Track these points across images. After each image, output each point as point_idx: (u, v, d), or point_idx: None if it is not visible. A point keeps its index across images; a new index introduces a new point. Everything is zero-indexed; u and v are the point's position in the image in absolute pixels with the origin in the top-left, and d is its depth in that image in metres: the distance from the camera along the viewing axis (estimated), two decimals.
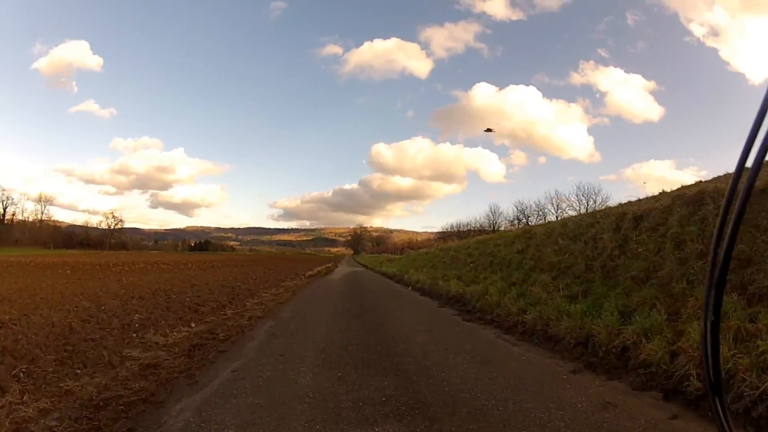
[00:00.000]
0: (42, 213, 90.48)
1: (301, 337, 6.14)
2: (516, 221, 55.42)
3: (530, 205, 54.80)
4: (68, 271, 17.62)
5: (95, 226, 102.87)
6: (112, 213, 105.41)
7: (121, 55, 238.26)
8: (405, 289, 14.99)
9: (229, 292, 11.89)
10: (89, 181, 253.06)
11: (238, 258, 54.82)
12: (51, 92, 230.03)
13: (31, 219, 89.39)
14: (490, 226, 59.51)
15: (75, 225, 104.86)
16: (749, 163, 0.59)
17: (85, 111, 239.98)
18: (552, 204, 51.61)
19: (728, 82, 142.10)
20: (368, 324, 7.30)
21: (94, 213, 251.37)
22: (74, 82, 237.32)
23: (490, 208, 66.52)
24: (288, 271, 26.03)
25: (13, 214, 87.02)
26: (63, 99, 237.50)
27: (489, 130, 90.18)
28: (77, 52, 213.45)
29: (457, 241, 24.79)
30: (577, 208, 47.85)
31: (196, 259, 45.99)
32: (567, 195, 51.44)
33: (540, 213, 52.66)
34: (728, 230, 0.61)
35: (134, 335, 6.18)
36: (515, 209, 57.00)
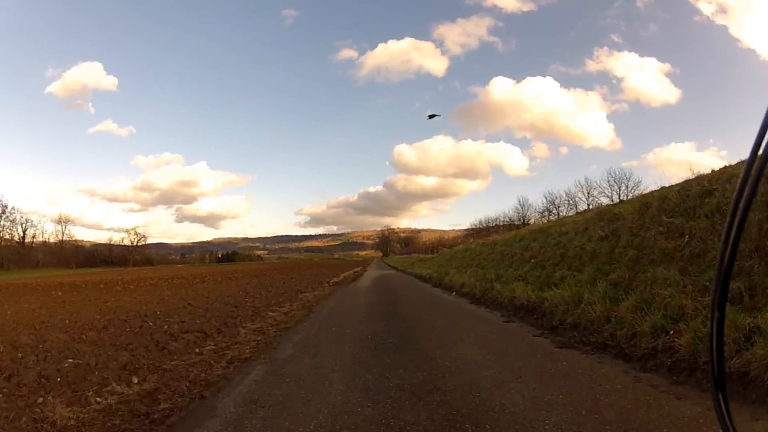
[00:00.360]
0: (63, 233, 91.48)
1: (299, 410, 3.43)
2: (546, 213, 51.99)
3: (560, 195, 51.42)
4: (59, 293, 15.73)
5: (118, 243, 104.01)
6: (135, 229, 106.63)
7: (135, 73, 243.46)
8: (448, 296, 12.15)
9: (228, 313, 9.41)
10: (113, 200, 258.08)
11: (262, 267, 53.27)
12: (68, 114, 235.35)
13: (52, 240, 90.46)
14: (519, 219, 56.73)
15: (99, 244, 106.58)
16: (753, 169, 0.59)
17: (104, 131, 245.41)
18: (583, 192, 48.19)
19: (740, 59, 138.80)
20: (414, 368, 4.49)
21: (119, 231, 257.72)
22: (90, 103, 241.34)
23: (519, 201, 63.25)
24: (311, 278, 23.64)
25: (33, 236, 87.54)
26: (80, 120, 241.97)
27: (433, 116, 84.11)
28: (91, 74, 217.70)
29: (504, 234, 21.67)
30: (609, 195, 44.18)
31: (219, 270, 44.52)
32: (598, 182, 47.89)
33: (571, 202, 49.07)
34: (733, 232, 0.61)
35: (25, 405, 3.73)
36: (545, 200, 53.78)
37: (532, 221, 53.22)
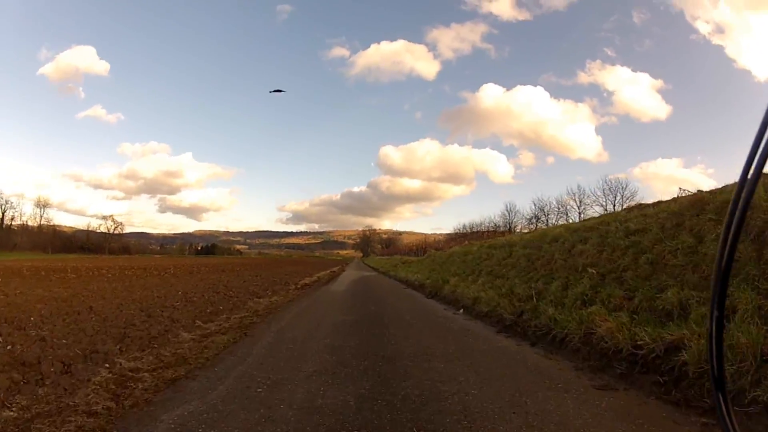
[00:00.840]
0: (41, 217, 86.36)
1: None
2: (534, 220, 49.28)
3: (549, 203, 48.62)
4: None
5: (94, 229, 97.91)
6: (112, 217, 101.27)
7: (128, 60, 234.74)
8: (454, 315, 8.65)
9: (122, 333, 5.62)
10: (97, 186, 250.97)
11: (235, 262, 48.79)
12: (58, 98, 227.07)
13: (30, 223, 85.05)
14: (505, 225, 53.79)
15: (81, 230, 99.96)
16: (753, 166, 0.61)
17: (93, 116, 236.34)
18: (574, 200, 45.56)
19: (735, 80, 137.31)
20: None
21: (103, 218, 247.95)
22: (81, 88, 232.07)
23: (506, 206, 60.16)
24: (279, 277, 19.87)
25: (12, 218, 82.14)
26: (70, 104, 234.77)
27: (277, 90, 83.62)
28: (84, 58, 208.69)
29: (524, 233, 18.29)
30: (603, 204, 41.64)
31: (188, 263, 40.34)
32: (592, 190, 44.56)
33: (561, 210, 46.39)
34: (731, 233, 0.62)
35: None
36: (533, 206, 51.00)
37: (518, 228, 50.93)
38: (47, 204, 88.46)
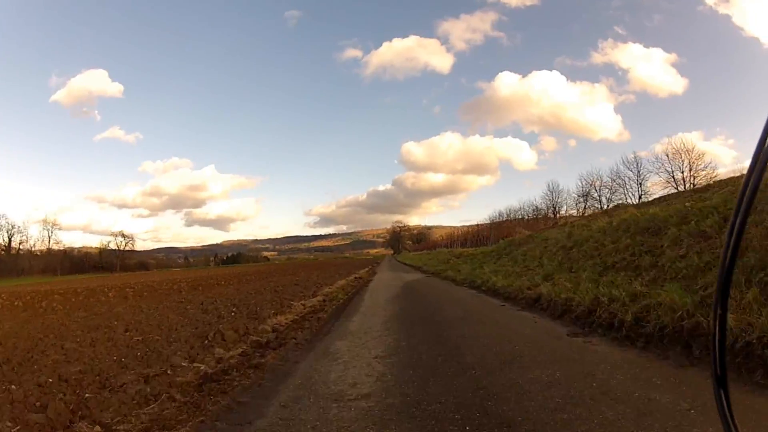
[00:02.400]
0: (49, 239, 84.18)
1: None
2: (582, 201, 40.43)
3: (600, 177, 38.88)
4: None
5: (105, 247, 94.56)
6: (122, 232, 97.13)
7: (140, 78, 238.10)
8: None
9: None
10: (122, 206, 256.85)
11: (258, 270, 43.48)
12: (74, 122, 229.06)
13: (38, 246, 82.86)
14: (550, 209, 44.74)
15: (89, 250, 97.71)
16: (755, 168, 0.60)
17: (111, 138, 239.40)
18: (632, 170, 35.22)
19: (743, 48, 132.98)
20: None
21: (112, 234, 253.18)
22: (96, 111, 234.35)
23: (549, 186, 50.04)
24: (290, 289, 13.89)
25: (20, 243, 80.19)
26: (87, 128, 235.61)
27: None
28: (96, 81, 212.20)
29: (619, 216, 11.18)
30: (670, 170, 31.94)
31: (202, 275, 36.05)
32: (657, 156, 34.17)
33: (616, 183, 36.72)
34: (736, 228, 0.61)
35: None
36: (580, 183, 41.19)
37: (564, 211, 42.75)
38: (54, 224, 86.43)
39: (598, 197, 38.87)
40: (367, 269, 30.65)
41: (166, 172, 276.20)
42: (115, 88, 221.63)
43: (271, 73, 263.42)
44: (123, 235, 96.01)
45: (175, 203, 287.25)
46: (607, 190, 37.94)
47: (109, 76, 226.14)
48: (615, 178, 37.07)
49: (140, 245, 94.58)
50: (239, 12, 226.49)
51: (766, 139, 0.57)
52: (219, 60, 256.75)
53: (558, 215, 42.66)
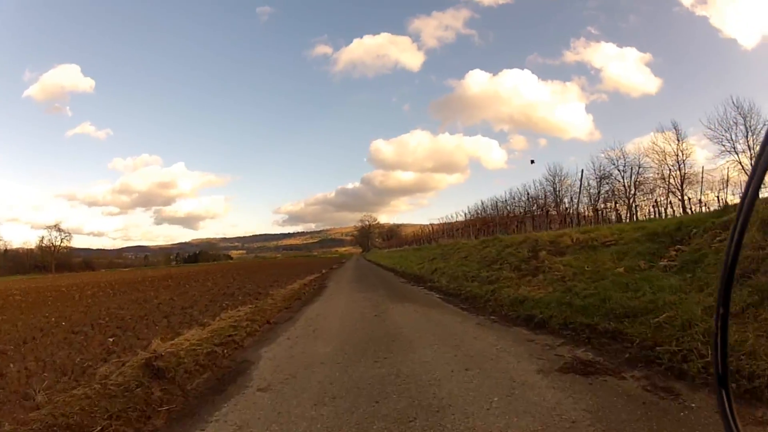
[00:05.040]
0: None
1: None
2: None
3: (624, 155, 27.73)
4: None
5: (38, 245, 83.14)
6: (57, 226, 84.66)
7: (112, 74, 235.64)
8: None
9: None
10: (92, 204, 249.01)
11: (207, 270, 37.16)
12: (46, 118, 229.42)
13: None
14: (556, 199, 30.69)
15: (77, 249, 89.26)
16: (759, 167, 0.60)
17: (82, 133, 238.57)
18: (673, 140, 25.81)
19: (721, 49, 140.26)
20: None
21: (99, 235, 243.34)
22: (68, 107, 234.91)
23: (550, 169, 31.72)
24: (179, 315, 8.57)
25: None
26: (59, 124, 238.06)
27: None
28: (68, 76, 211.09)
29: None
30: (722, 140, 23.85)
31: (148, 276, 30.62)
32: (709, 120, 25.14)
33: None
34: (737, 230, 0.61)
35: None
36: (593, 164, 28.72)
37: (570, 200, 29.01)
38: None
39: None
40: (326, 270, 25.37)
41: (136, 169, 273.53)
42: (87, 83, 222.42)
43: (242, 69, 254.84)
44: (59, 230, 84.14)
45: (145, 201, 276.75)
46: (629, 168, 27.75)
47: (81, 71, 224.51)
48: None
49: (110, 244, 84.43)
50: (212, 7, 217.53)
51: (763, 151, 0.57)
52: (190, 56, 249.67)
53: (562, 206, 29.83)
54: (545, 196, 31.55)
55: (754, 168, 0.59)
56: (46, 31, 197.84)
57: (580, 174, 22.14)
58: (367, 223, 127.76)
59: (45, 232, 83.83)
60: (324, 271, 24.70)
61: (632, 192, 27.23)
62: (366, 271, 24.59)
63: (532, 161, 75.01)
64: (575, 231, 11.59)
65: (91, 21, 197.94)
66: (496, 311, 7.13)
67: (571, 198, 28.49)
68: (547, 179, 31.61)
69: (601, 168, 28.61)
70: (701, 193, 23.00)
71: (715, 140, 24.25)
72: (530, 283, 8.14)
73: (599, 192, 28.71)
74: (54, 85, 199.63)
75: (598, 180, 28.62)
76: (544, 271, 8.50)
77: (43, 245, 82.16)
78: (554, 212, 28.71)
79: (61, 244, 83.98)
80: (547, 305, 6.17)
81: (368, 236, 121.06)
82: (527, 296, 7.08)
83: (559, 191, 31.01)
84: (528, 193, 33.00)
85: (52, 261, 78.72)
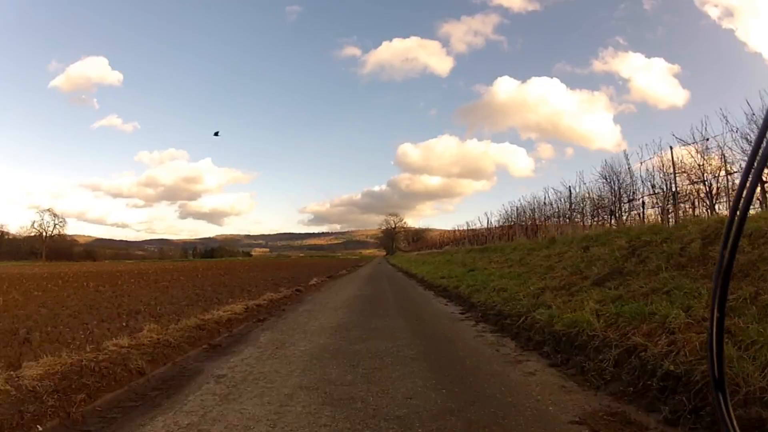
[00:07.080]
0: None
1: None
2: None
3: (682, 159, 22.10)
4: None
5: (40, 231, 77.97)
6: (50, 210, 78.04)
7: (140, 68, 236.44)
8: None
9: None
10: (117, 195, 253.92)
11: (217, 266, 33.52)
12: (72, 109, 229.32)
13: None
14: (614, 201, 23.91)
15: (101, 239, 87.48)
16: (753, 168, 0.60)
17: (108, 126, 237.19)
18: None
19: (747, 63, 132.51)
20: None
21: (123, 226, 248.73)
22: (95, 99, 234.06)
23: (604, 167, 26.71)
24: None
25: None
26: (85, 115, 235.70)
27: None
28: (96, 68, 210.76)
29: None
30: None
31: (152, 268, 28.75)
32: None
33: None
34: (732, 232, 0.61)
35: None
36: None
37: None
38: None
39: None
40: (337, 274, 20.63)
41: (162, 162, 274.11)
42: (115, 77, 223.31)
43: (270, 68, 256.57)
44: (53, 214, 77.30)
45: (170, 195, 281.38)
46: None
47: (109, 64, 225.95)
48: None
49: (133, 236, 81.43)
50: (241, 4, 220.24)
51: (758, 148, 0.56)
52: (219, 52, 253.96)
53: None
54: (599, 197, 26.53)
55: (748, 166, 0.59)
56: (74, 23, 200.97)
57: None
58: (393, 223, 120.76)
59: (37, 216, 77.56)
60: (323, 278, 19.83)
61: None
62: (391, 280, 16.93)
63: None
64: None
65: (119, 15, 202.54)
66: None
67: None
68: (605, 177, 26.47)
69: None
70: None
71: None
72: None
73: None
74: (80, 76, 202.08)
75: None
76: None
77: (32, 232, 76.62)
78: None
79: (53, 231, 77.65)
80: None
81: (393, 238, 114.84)
82: None
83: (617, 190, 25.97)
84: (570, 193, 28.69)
85: (43, 247, 73.27)
